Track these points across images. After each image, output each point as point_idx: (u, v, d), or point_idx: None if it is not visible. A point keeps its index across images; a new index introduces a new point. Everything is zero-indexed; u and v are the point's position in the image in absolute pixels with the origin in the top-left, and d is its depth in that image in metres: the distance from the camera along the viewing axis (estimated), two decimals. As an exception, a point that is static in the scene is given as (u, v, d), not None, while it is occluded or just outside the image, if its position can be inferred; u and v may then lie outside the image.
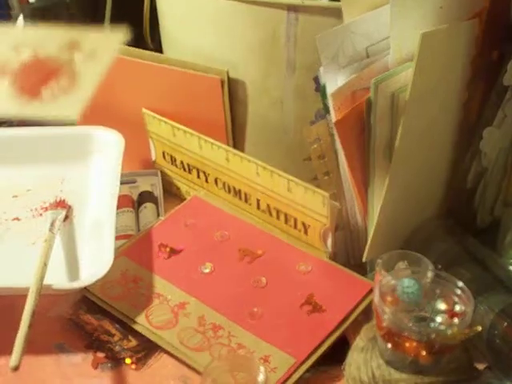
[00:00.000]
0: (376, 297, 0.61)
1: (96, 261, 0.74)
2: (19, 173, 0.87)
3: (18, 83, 0.59)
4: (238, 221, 0.83)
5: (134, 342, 0.71)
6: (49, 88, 0.59)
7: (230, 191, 0.85)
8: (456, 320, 0.60)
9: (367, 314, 0.70)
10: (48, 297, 0.71)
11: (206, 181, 0.87)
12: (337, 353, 0.68)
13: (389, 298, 0.61)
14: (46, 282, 0.69)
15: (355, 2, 0.67)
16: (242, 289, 0.75)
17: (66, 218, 0.82)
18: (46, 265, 0.71)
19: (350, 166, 0.70)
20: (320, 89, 0.71)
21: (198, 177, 0.88)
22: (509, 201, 0.80)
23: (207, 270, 0.77)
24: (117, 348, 0.70)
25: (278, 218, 0.81)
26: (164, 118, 0.87)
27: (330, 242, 0.77)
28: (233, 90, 0.83)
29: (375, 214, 0.71)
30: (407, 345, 0.60)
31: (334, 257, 0.78)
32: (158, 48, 0.94)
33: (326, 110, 0.71)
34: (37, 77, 0.59)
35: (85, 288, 0.73)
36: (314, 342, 0.69)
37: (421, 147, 0.70)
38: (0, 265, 0.76)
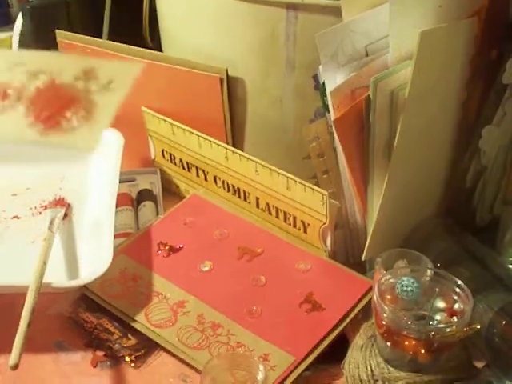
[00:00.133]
0: (375, 295, 0.61)
1: (95, 259, 0.74)
2: (19, 171, 0.87)
3: (34, 110, 0.59)
4: (237, 219, 0.83)
5: (133, 341, 0.71)
6: (66, 118, 0.58)
7: (229, 189, 0.85)
8: (455, 318, 0.60)
9: (366, 312, 0.71)
10: (47, 295, 0.71)
11: (206, 179, 0.87)
12: (336, 351, 0.69)
13: (388, 297, 0.61)
14: (46, 280, 0.69)
15: (354, 1, 0.67)
16: (241, 287, 0.75)
17: (66, 216, 0.82)
18: (45, 263, 0.71)
19: (349, 164, 0.70)
20: (319, 87, 0.71)
21: (198, 175, 0.88)
22: (508, 199, 0.80)
23: (206, 269, 0.77)
24: (116, 346, 0.70)
25: (277, 216, 0.81)
26: (163, 117, 0.87)
27: (329, 240, 0.77)
28: (232, 89, 0.83)
29: (374, 212, 0.71)
30: (406, 343, 0.60)
31: (333, 255, 0.78)
32: (158, 47, 0.94)
33: (326, 108, 0.71)
34: (53, 105, 0.59)
35: (84, 286, 0.73)
36: (313, 340, 0.69)
37: (420, 146, 0.70)
38: (-1, 263, 0.76)
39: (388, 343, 0.61)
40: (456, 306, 0.61)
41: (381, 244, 0.72)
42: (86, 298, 0.74)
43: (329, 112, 0.70)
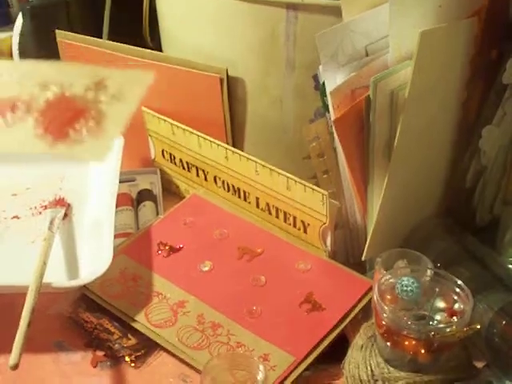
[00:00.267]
0: (375, 295, 0.61)
1: (95, 259, 0.74)
2: (19, 171, 0.87)
3: (43, 122, 0.58)
4: (237, 219, 0.83)
5: (133, 341, 0.71)
6: (75, 129, 0.58)
7: (229, 189, 0.85)
8: (455, 318, 0.60)
9: (366, 312, 0.71)
10: (47, 295, 0.71)
11: (205, 179, 0.87)
12: (336, 351, 0.69)
13: (388, 297, 0.61)
14: (46, 280, 0.69)
15: (354, 1, 0.67)
16: (241, 287, 0.75)
17: (66, 216, 0.82)
18: (45, 263, 0.71)
19: (349, 164, 0.70)
20: (319, 87, 0.71)
21: (198, 175, 0.88)
22: (508, 199, 0.80)
23: (206, 269, 0.77)
24: (116, 346, 0.70)
25: (277, 216, 0.81)
26: (163, 117, 0.87)
27: (329, 240, 0.77)
28: (232, 89, 0.83)
29: (374, 212, 0.71)
30: (406, 343, 0.60)
31: (333, 255, 0.78)
32: (158, 47, 0.94)
33: (326, 108, 0.71)
34: (63, 116, 0.58)
35: (84, 286, 0.73)
36: (313, 340, 0.69)
37: (420, 146, 0.70)
38: (-1, 263, 0.76)
39: (388, 343, 0.61)
40: (456, 305, 0.61)
41: (381, 244, 0.72)
42: (86, 298, 0.74)
43: (329, 112, 0.70)
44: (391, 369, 0.62)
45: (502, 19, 0.69)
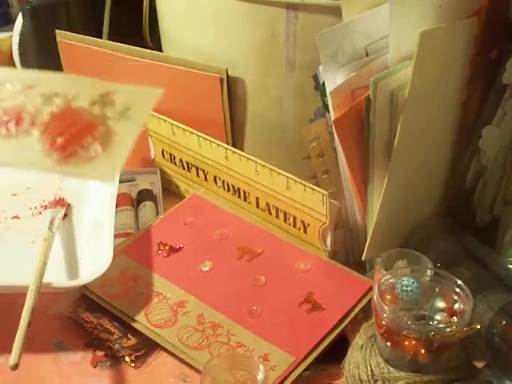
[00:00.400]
0: (375, 295, 0.61)
1: (95, 259, 0.74)
2: (19, 171, 0.87)
3: (48, 137, 0.56)
4: (237, 219, 0.83)
5: (133, 341, 0.71)
6: (84, 147, 0.56)
7: (229, 189, 0.85)
8: (455, 318, 0.60)
9: (366, 312, 0.71)
10: (47, 295, 0.71)
11: (205, 179, 0.87)
12: (336, 351, 0.69)
13: (388, 297, 0.61)
14: (46, 280, 0.69)
15: (354, 1, 0.67)
16: (241, 287, 0.75)
17: (66, 216, 0.82)
18: (45, 263, 0.71)
19: (349, 164, 0.70)
20: (319, 87, 0.71)
21: (197, 175, 0.88)
22: (508, 199, 0.80)
23: (206, 269, 0.77)
24: (116, 346, 0.70)
25: (277, 216, 0.81)
26: (163, 117, 0.87)
27: (329, 240, 0.77)
28: (232, 89, 0.83)
29: (374, 212, 0.71)
30: (406, 343, 0.60)
31: (333, 255, 0.78)
32: (158, 47, 0.94)
33: (326, 108, 0.71)
34: (69, 131, 0.56)
35: (84, 286, 0.73)
36: (313, 340, 0.69)
37: (420, 146, 0.70)
38: (-1, 263, 0.76)
39: (388, 343, 0.61)
40: (456, 306, 0.61)
41: (381, 244, 0.72)
42: (86, 298, 0.74)
43: (329, 112, 0.70)
44: (391, 369, 0.62)
45: (502, 19, 0.69)
